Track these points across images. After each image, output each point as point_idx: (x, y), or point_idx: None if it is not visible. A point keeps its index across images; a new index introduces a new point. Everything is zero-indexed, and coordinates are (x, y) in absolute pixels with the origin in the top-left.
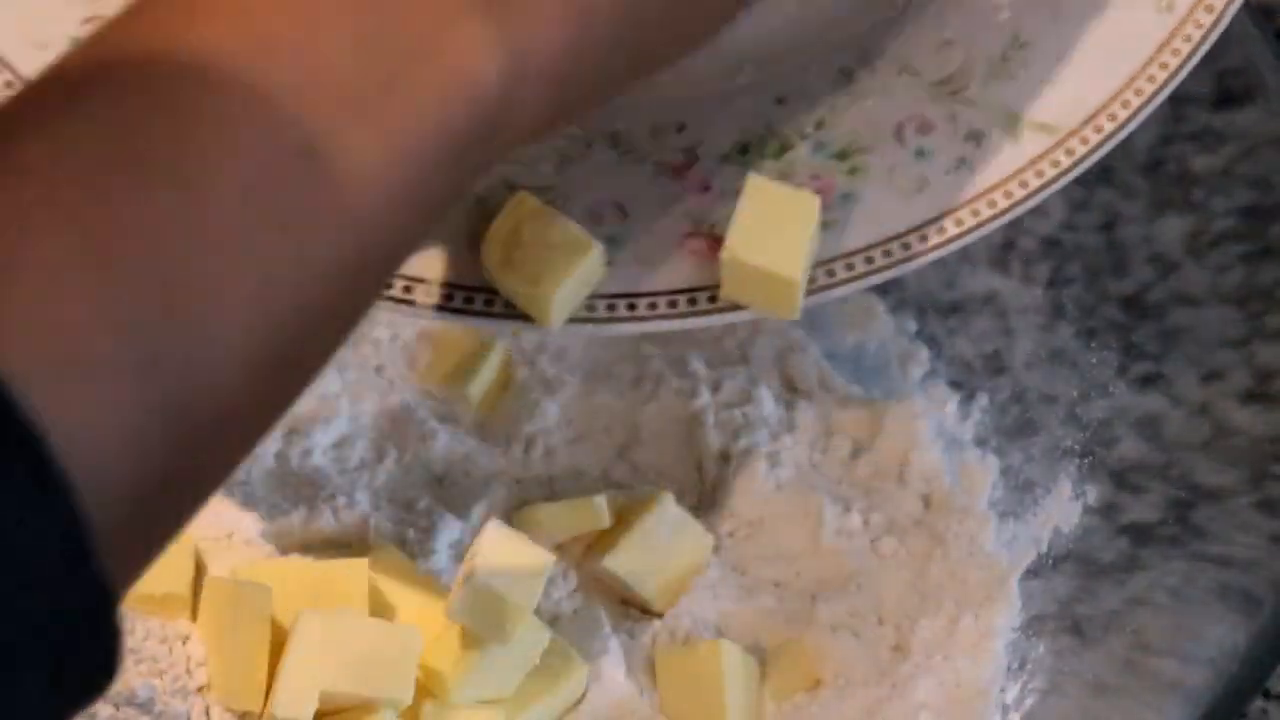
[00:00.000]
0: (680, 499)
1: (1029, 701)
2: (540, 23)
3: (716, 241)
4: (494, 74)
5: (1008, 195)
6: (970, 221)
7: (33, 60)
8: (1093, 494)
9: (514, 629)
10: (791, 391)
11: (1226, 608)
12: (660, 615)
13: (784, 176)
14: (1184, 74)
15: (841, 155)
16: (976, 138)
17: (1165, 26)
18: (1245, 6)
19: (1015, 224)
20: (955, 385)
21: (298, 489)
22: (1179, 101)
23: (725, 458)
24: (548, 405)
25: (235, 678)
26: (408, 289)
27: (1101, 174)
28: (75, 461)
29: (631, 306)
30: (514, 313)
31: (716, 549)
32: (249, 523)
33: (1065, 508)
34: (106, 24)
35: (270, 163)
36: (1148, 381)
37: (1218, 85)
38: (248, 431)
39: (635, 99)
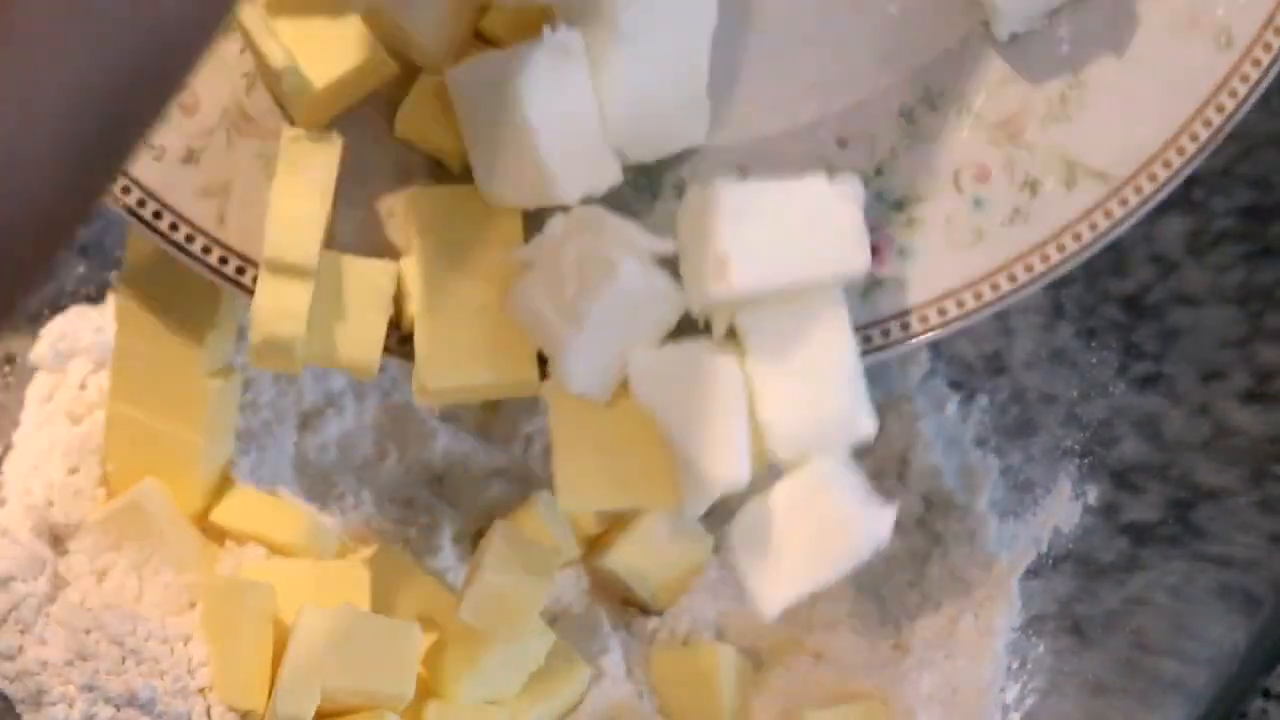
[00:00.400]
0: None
1: (1029, 701)
2: None
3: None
4: None
5: (1060, 249)
6: (1023, 277)
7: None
8: (1093, 494)
9: (523, 629)
10: None
11: (1226, 608)
12: (660, 614)
13: None
14: (1239, 117)
15: (899, 205)
16: (1032, 186)
17: (1224, 64)
18: None
19: None
20: (955, 385)
21: (310, 487)
22: None
23: None
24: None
25: (237, 677)
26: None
27: None
28: None
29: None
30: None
31: (716, 549)
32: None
33: (1065, 508)
34: None
35: None
36: (1148, 381)
37: None
38: (69, 206)
39: (699, 147)
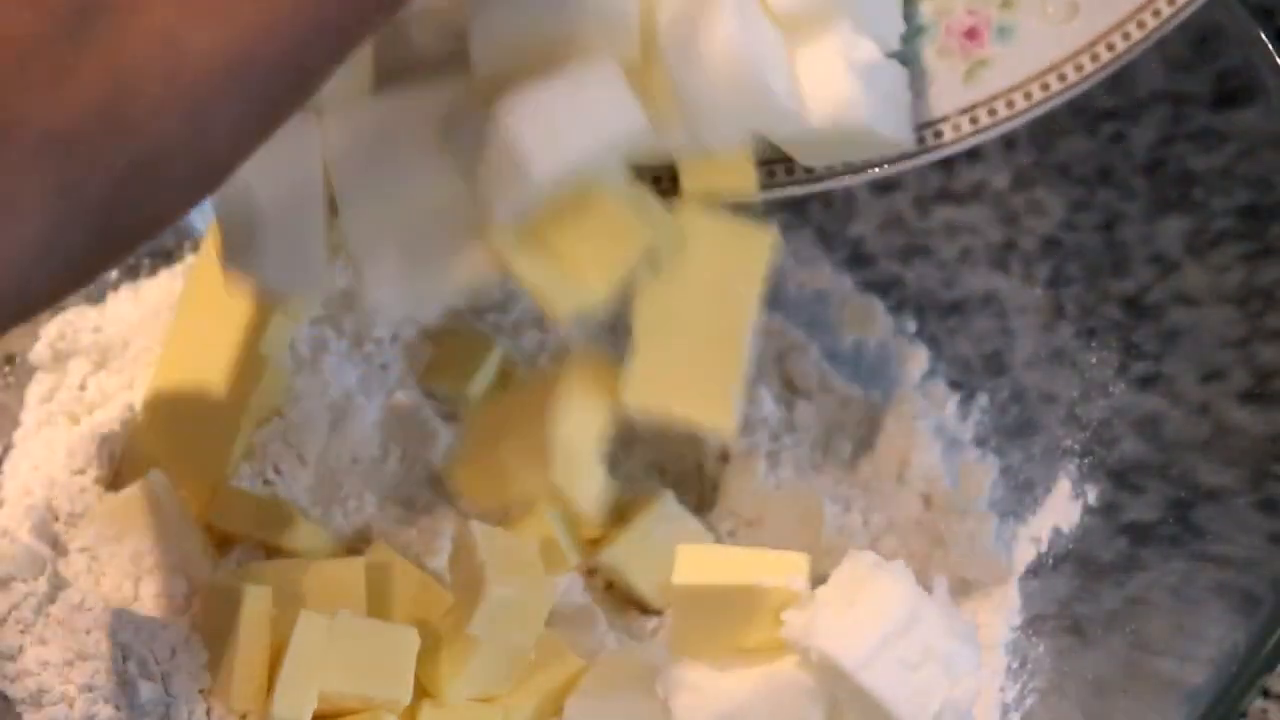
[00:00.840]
0: (680, 497)
1: (1029, 701)
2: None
3: None
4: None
5: (1155, 13)
6: (1121, 45)
7: None
8: (1093, 494)
9: (533, 638)
10: (791, 391)
11: (1226, 608)
12: (660, 614)
13: (942, 13)
14: None
15: None
16: None
17: None
18: (1245, 6)
19: (1015, 224)
20: (955, 385)
21: (311, 487)
22: (1179, 101)
23: (725, 457)
24: None
25: (235, 679)
26: None
27: (1101, 174)
28: None
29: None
30: None
31: None
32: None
33: (1065, 508)
34: None
35: None
36: (1148, 381)
37: (1218, 85)
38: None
39: None
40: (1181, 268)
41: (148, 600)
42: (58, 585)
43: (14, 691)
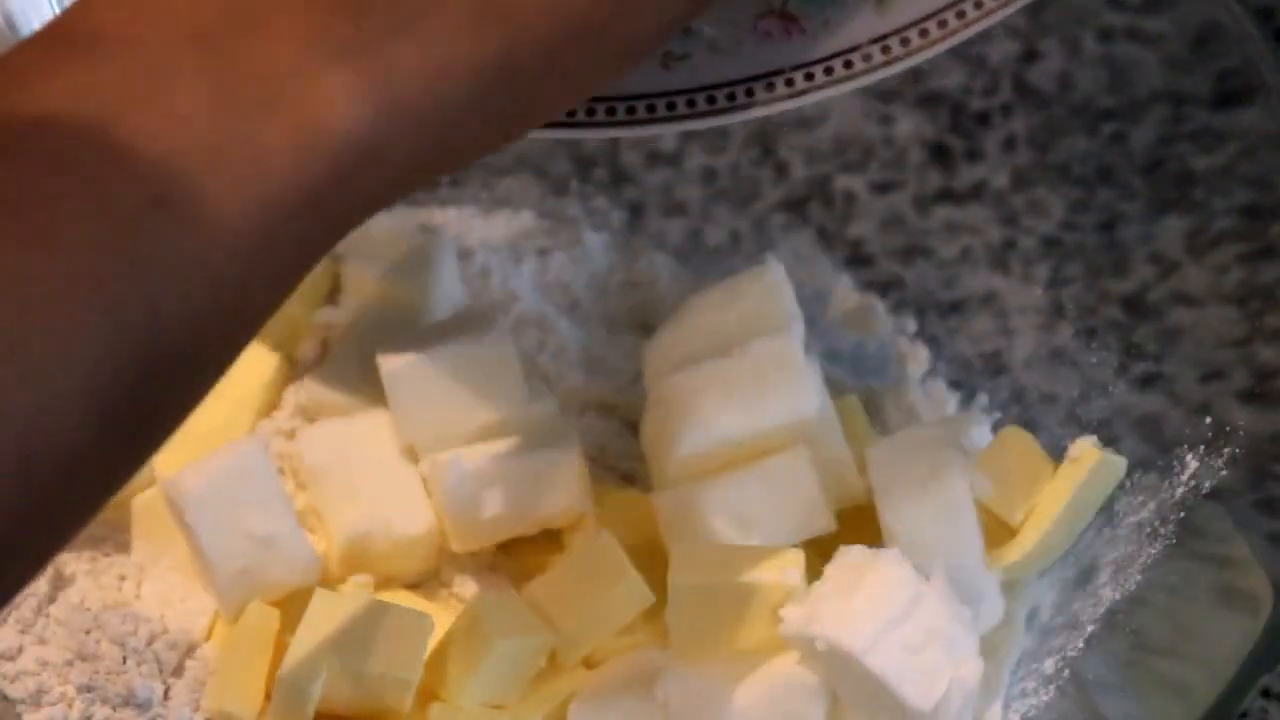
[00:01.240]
0: None
1: (1029, 701)
2: (401, 74)
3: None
4: (350, 123)
5: None
6: None
7: None
8: None
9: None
10: None
11: (1226, 608)
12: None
13: None
14: None
15: None
16: None
17: None
18: (1245, 7)
19: (1015, 224)
20: (955, 385)
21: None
22: (1179, 101)
23: None
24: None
25: (236, 680)
26: None
27: (1101, 174)
28: None
29: (711, 100)
30: None
31: None
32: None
33: None
34: None
35: (122, 212)
36: (1148, 381)
37: (1218, 85)
38: (95, 488)
39: None
40: (1181, 268)
41: (148, 600)
42: (58, 585)
43: (14, 691)
